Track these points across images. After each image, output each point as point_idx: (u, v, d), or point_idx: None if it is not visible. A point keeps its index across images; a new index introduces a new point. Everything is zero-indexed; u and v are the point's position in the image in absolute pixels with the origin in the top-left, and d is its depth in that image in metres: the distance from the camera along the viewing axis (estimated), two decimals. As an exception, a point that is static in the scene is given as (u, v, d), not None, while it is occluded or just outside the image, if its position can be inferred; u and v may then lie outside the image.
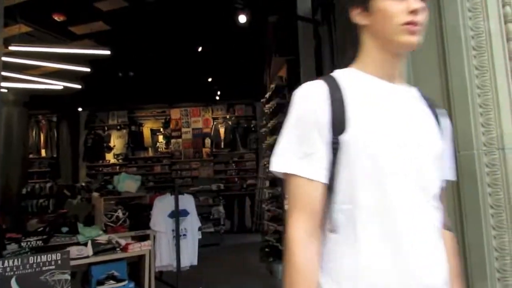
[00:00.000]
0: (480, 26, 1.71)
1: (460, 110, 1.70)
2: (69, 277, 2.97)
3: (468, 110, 1.67)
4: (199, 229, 4.82)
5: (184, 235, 4.52)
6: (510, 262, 1.53)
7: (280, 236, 5.01)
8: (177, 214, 4.46)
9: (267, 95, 6.53)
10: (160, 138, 11.75)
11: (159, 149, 11.68)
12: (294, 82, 5.01)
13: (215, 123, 11.56)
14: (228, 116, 11.61)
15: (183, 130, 11.69)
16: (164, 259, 4.38)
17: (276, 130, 5.12)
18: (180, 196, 4.58)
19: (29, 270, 2.78)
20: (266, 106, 6.47)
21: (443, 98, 1.79)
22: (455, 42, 1.75)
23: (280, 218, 5.12)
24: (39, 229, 3.67)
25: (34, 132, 10.56)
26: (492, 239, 1.56)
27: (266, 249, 5.47)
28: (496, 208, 1.56)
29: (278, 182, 5.11)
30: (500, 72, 1.68)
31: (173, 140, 11.63)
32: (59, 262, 2.93)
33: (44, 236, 3.50)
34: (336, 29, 3.27)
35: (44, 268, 2.85)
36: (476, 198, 1.60)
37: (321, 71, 3.75)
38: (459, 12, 1.75)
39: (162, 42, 7.30)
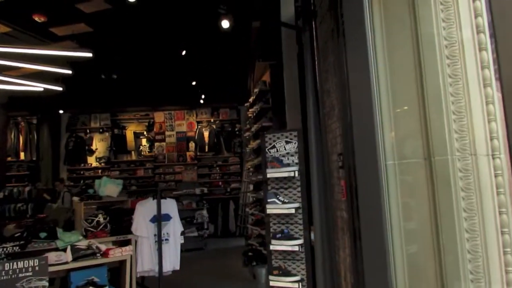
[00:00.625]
0: (453, 36, 1.78)
1: (435, 117, 1.76)
2: (47, 284, 2.90)
3: (442, 117, 1.73)
4: (182, 233, 4.77)
5: (167, 239, 4.47)
6: (482, 264, 1.58)
7: (263, 240, 5.02)
8: (160, 219, 4.41)
9: (251, 100, 6.55)
10: (144, 141, 11.63)
11: (142, 153, 11.55)
12: (277, 87, 5.04)
13: (199, 126, 11.52)
14: (212, 120, 11.59)
15: (167, 133, 11.59)
16: (145, 264, 4.32)
17: (259, 135, 5.14)
18: (162, 200, 4.53)
19: (4, 277, 2.71)
20: (250, 110, 6.49)
21: (419, 104, 1.84)
22: (430, 51, 1.81)
23: (263, 222, 5.14)
24: (16, 235, 3.56)
25: (12, 134, 10.29)
26: (465, 242, 1.61)
27: (250, 253, 5.47)
28: (469, 212, 1.62)
29: (262, 186, 5.13)
30: (473, 80, 1.74)
31: (156, 144, 11.53)
32: (37, 268, 2.87)
33: (21, 242, 3.40)
34: (317, 36, 3.32)
35: (20, 275, 2.78)
36: (450, 202, 1.65)
37: (303, 77, 3.79)
38: (433, 22, 1.81)
39: (146, 45, 7.26)
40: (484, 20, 1.77)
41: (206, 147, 11.30)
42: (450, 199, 1.65)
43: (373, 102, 2.03)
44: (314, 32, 3.37)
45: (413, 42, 1.89)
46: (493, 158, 1.66)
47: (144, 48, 7.37)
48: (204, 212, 8.71)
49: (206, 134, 11.39)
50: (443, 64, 1.78)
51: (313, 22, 3.40)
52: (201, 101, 11.00)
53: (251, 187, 6.49)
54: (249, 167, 6.71)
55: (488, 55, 1.75)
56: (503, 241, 1.61)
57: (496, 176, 1.64)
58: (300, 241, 3.22)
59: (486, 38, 1.76)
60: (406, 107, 1.97)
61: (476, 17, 1.78)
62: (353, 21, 2.23)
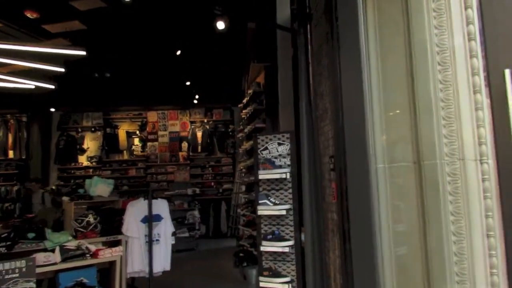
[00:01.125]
0: (445, 43, 1.80)
1: (425, 122, 1.78)
2: (34, 285, 2.87)
3: (432, 122, 1.75)
4: (173, 234, 4.76)
5: (157, 240, 4.45)
6: (468, 267, 1.61)
7: (254, 241, 5.02)
8: (151, 219, 4.39)
9: (244, 101, 6.56)
10: (136, 141, 11.56)
11: (134, 152, 11.48)
12: (271, 89, 5.06)
13: (192, 126, 11.49)
14: (206, 120, 11.57)
15: (160, 133, 11.54)
16: (136, 265, 4.30)
17: (252, 136, 5.15)
18: (154, 201, 4.52)
19: (-9, 277, 2.67)
20: (243, 111, 6.50)
21: (410, 109, 1.87)
22: (421, 57, 1.84)
23: (255, 223, 5.14)
24: (3, 235, 3.50)
25: (1, 132, 10.17)
26: (452, 244, 1.63)
27: (241, 254, 5.47)
28: (456, 215, 1.64)
29: (254, 187, 5.14)
30: (463, 87, 1.77)
31: (149, 143, 11.47)
32: (24, 269, 2.83)
33: (8, 243, 3.35)
34: (312, 39, 3.33)
35: (7, 277, 2.74)
36: (438, 205, 1.68)
37: (297, 79, 3.80)
38: (426, 29, 1.84)
39: (140, 44, 7.22)
40: (475, 28, 1.79)
41: (199, 147, 11.28)
42: (438, 203, 1.68)
43: (365, 106, 2.05)
44: (309, 35, 3.39)
45: (406, 48, 1.92)
46: (481, 163, 1.69)
47: (138, 47, 7.33)
48: (196, 212, 8.69)
49: (199, 134, 11.37)
50: (434, 70, 1.80)
51: (308, 25, 3.42)
52: (195, 101, 10.98)
53: (243, 188, 6.49)
54: (241, 168, 6.71)
55: (479, 62, 1.78)
56: (488, 244, 1.64)
57: (483, 180, 1.67)
58: (291, 243, 3.23)
59: (477, 45, 1.78)
60: (397, 111, 1.99)
61: (467, 24, 1.81)
62: (347, 25, 2.25)
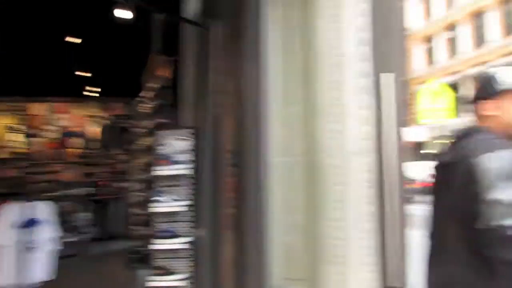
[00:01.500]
0: (339, 46, 1.93)
1: (317, 119, 1.90)
2: None
3: (323, 119, 1.88)
4: (58, 239, 4.29)
5: (34, 247, 3.95)
6: (346, 249, 1.76)
7: (147, 240, 4.80)
8: (27, 224, 3.89)
9: (146, 95, 6.23)
10: (16, 136, 10.10)
11: (14, 150, 10.01)
12: (175, 83, 4.91)
13: (87, 121, 10.53)
14: (102, 114, 10.69)
15: (47, 127, 10.30)
16: (5, 278, 3.74)
17: (152, 132, 4.90)
18: (33, 203, 4.06)
19: None
20: (145, 106, 6.18)
21: (305, 107, 1.97)
22: (316, 59, 1.95)
23: (150, 222, 4.92)
24: None
25: None
26: (333, 230, 1.79)
27: (133, 255, 5.18)
28: (339, 203, 1.78)
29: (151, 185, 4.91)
30: (352, 87, 1.91)
31: (33, 139, 10.12)
32: None
33: None
34: (219, 35, 3.33)
35: None
36: (324, 195, 1.80)
37: (202, 75, 3.75)
38: (322, 33, 1.95)
39: (25, 25, 6.34)
40: (366, 34, 1.94)
41: (94, 143, 10.40)
42: (325, 193, 1.80)
43: (265, 103, 2.11)
44: (216, 31, 3.38)
45: (304, 49, 2.03)
46: (364, 157, 1.85)
47: (22, 28, 6.43)
48: (87, 214, 8.05)
49: (94, 129, 10.48)
50: (328, 72, 1.92)
51: (216, 21, 3.41)
52: (90, 94, 10.11)
53: (140, 185, 6.16)
54: (139, 165, 6.36)
55: (368, 66, 1.93)
56: (366, 228, 1.80)
57: (365, 172, 1.83)
58: (184, 239, 3.16)
59: (367, 50, 1.93)
60: (294, 108, 2.09)
61: (360, 31, 1.95)
62: (251, 25, 2.31)
